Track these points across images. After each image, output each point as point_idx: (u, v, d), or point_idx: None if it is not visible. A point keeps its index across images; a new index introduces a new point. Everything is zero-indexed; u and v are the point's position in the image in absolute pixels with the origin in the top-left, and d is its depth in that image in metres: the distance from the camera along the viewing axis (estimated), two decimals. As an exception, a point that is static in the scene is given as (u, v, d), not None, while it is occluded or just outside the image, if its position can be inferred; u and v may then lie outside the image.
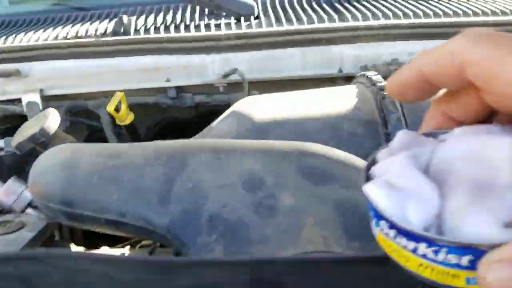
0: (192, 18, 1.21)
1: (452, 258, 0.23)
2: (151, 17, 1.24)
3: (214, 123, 0.80)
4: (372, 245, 0.52)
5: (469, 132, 0.27)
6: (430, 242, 0.23)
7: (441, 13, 1.10)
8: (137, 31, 1.15)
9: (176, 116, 1.25)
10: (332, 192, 0.53)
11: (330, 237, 0.50)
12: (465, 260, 0.23)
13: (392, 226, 0.24)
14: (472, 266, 0.23)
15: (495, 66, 0.23)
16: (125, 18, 1.12)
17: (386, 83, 0.30)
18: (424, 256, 0.24)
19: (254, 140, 0.59)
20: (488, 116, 0.28)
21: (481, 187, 0.24)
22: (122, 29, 1.11)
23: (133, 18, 1.22)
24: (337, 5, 1.25)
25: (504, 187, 0.24)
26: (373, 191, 0.26)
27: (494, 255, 0.22)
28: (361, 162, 0.56)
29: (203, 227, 0.51)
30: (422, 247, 0.24)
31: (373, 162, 0.30)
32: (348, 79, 1.04)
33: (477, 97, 0.26)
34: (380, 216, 0.25)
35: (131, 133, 0.91)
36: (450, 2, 1.21)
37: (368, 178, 0.28)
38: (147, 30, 1.15)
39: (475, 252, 0.23)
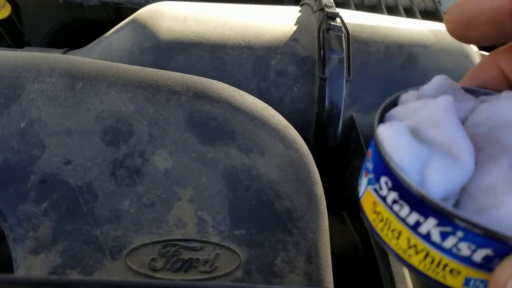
0: None
1: (465, 248, 0.18)
2: None
3: (107, 33, 0.60)
4: (261, 236, 0.38)
5: None
6: (444, 219, 0.17)
7: None
8: None
9: (89, 18, 1.02)
10: (225, 155, 0.38)
11: (209, 219, 0.36)
12: (481, 254, 0.17)
13: (397, 186, 0.18)
14: (485, 264, 0.18)
15: None
16: None
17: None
18: (425, 236, 0.18)
19: (138, 66, 0.41)
20: None
21: None
22: None
23: None
24: None
25: None
26: (388, 136, 0.19)
27: None
28: (277, 120, 0.41)
29: (30, 192, 0.35)
30: (429, 224, 0.18)
31: (393, 103, 0.23)
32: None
33: None
34: (383, 169, 0.19)
35: (8, 32, 0.70)
36: None
37: (383, 120, 0.22)
38: None
39: (501, 247, 0.17)
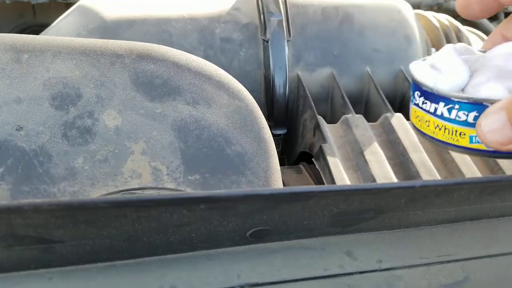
0: None
1: (462, 115, 0.29)
2: None
3: (55, 22, 0.61)
4: (215, 178, 0.39)
5: None
6: (447, 100, 0.29)
7: None
8: None
9: (42, 23, 1.01)
10: (173, 109, 0.40)
11: (163, 168, 0.38)
12: (471, 116, 0.29)
13: (422, 92, 0.31)
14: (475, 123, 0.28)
15: None
16: None
17: None
18: (440, 116, 0.30)
19: (81, 38, 0.43)
20: None
21: (505, 72, 0.29)
22: None
23: None
24: None
25: None
26: (415, 67, 0.32)
27: (492, 106, 0.27)
28: (220, 73, 0.43)
29: (-16, 158, 0.36)
30: (440, 107, 0.30)
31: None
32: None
33: None
34: (415, 88, 0.32)
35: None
36: None
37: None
38: None
39: (480, 108, 0.28)
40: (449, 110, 0.29)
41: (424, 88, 0.31)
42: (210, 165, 0.39)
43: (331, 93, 0.60)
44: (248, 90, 0.47)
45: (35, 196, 0.35)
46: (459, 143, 0.30)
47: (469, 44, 0.73)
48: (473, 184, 0.28)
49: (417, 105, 0.32)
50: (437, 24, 0.71)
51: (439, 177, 0.49)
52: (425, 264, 0.33)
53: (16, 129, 0.37)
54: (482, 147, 0.30)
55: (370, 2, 0.64)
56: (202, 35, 0.56)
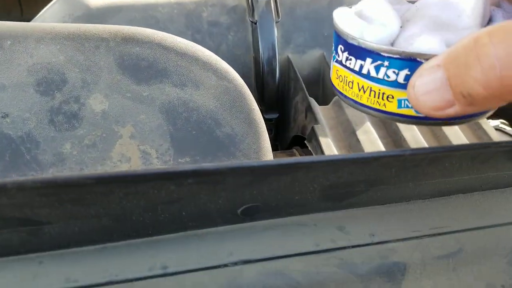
0: None
1: (391, 74, 0.24)
2: None
3: (40, 12, 0.61)
4: (206, 160, 0.39)
5: None
6: (374, 55, 0.25)
7: None
8: None
9: (29, 20, 1.00)
10: (160, 92, 0.39)
11: (152, 151, 0.38)
12: (402, 75, 0.24)
13: (347, 46, 0.26)
14: (406, 84, 0.24)
15: None
16: None
17: None
18: (366, 75, 0.26)
19: (60, 23, 0.42)
20: None
21: (441, 23, 0.26)
22: None
23: None
24: None
25: (462, 27, 0.25)
26: (339, 15, 0.27)
27: (427, 63, 0.22)
28: (207, 55, 0.43)
29: (-30, 146, 0.35)
30: (367, 64, 0.25)
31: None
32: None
33: None
34: (338, 40, 0.27)
35: None
36: None
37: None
38: None
39: (413, 65, 0.23)
40: (377, 68, 0.25)
41: (349, 41, 0.26)
42: (200, 148, 0.39)
43: (322, 75, 0.60)
44: (239, 75, 0.47)
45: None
46: (385, 108, 0.26)
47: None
48: (463, 150, 0.27)
49: (339, 62, 0.27)
50: None
51: (432, 154, 0.49)
52: (418, 237, 0.32)
53: (2, 117, 0.37)
54: (412, 112, 0.26)
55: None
56: (189, 19, 0.55)
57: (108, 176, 0.23)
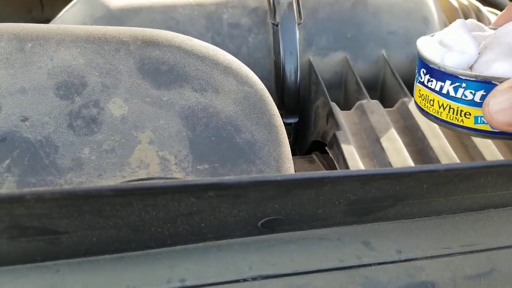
0: None
1: (469, 94, 0.28)
2: None
3: (60, 13, 0.60)
4: (225, 168, 0.38)
5: None
6: (453, 78, 0.28)
7: None
8: None
9: (50, 18, 1.01)
10: (180, 97, 0.38)
11: (171, 157, 0.37)
12: (478, 95, 0.28)
13: (428, 70, 0.30)
14: (482, 103, 0.28)
15: None
16: None
17: None
18: (446, 94, 0.29)
19: (81, 25, 0.42)
20: None
21: None
22: None
23: None
24: None
25: None
26: (422, 43, 0.31)
27: (501, 85, 0.26)
28: (228, 59, 0.42)
29: (-10, 149, 0.35)
30: (447, 85, 0.29)
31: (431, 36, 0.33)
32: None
33: None
34: (421, 65, 0.31)
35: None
36: None
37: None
38: None
39: (488, 87, 0.27)
40: (455, 89, 0.28)
41: (430, 65, 0.30)
42: (219, 154, 0.38)
43: (345, 78, 0.58)
44: (259, 78, 0.46)
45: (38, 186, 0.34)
46: (463, 124, 0.29)
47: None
48: (500, 167, 0.26)
49: (422, 83, 0.31)
50: (456, 5, 0.69)
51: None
52: (448, 255, 0.31)
53: (21, 120, 0.36)
54: (487, 128, 0.29)
55: (384, -17, 0.61)
56: (210, 21, 0.54)
57: (128, 188, 0.22)
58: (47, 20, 1.04)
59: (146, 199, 0.23)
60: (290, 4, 0.53)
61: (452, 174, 0.26)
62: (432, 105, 0.31)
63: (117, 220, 0.25)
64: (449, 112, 0.30)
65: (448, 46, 0.30)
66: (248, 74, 0.41)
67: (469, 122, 0.29)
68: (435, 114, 0.31)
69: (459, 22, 0.32)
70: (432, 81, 0.30)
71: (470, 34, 0.31)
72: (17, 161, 0.35)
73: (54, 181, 0.35)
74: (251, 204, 0.26)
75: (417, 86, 0.32)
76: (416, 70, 0.33)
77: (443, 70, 0.29)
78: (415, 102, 0.33)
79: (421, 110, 0.32)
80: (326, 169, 0.53)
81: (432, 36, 0.33)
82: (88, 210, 0.24)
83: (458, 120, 0.29)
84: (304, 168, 0.52)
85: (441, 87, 0.29)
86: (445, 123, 0.30)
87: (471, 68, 0.30)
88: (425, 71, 0.31)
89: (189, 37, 0.42)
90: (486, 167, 0.26)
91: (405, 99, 0.53)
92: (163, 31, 0.42)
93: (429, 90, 0.31)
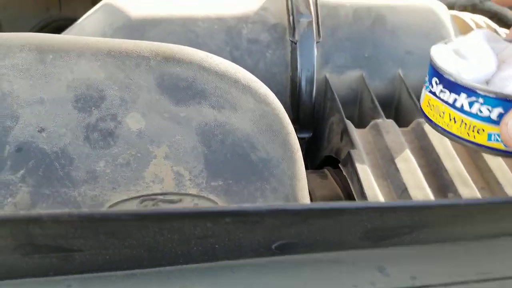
0: None
1: (485, 110, 0.26)
2: None
3: (80, 20, 0.61)
4: (239, 185, 0.38)
5: None
6: (470, 92, 0.27)
7: None
8: None
9: (68, 17, 1.02)
10: (197, 113, 0.39)
11: (186, 173, 0.37)
12: (495, 112, 0.26)
13: (442, 80, 0.28)
14: (499, 120, 0.26)
15: None
16: None
17: None
18: (459, 108, 0.27)
19: (106, 38, 0.42)
20: None
21: None
22: None
23: None
24: None
25: None
26: (436, 51, 0.29)
27: None
28: (247, 77, 0.42)
29: (7, 161, 0.35)
30: (461, 98, 0.27)
31: (445, 42, 0.31)
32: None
33: None
34: (434, 73, 0.29)
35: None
36: None
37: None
38: None
39: (507, 105, 0.26)
40: (471, 103, 0.27)
41: (445, 76, 0.28)
42: (234, 171, 0.38)
43: (360, 96, 0.58)
44: (274, 93, 0.46)
45: (55, 200, 0.35)
46: (474, 140, 0.28)
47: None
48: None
49: (432, 93, 0.29)
50: (474, 26, 0.68)
51: (474, 187, 0.46)
52: (463, 282, 0.30)
53: (38, 131, 0.37)
54: (500, 146, 0.27)
55: (404, 3, 0.61)
56: (229, 36, 0.55)
57: (145, 214, 0.22)
58: (65, 19, 1.06)
59: (163, 223, 0.23)
60: (310, 23, 0.53)
61: (472, 208, 0.26)
62: (442, 117, 0.29)
63: (132, 241, 0.25)
64: (460, 126, 0.28)
65: (465, 56, 0.29)
66: (266, 93, 0.41)
67: (481, 139, 0.28)
68: (444, 127, 0.29)
69: (478, 32, 0.31)
70: (444, 92, 0.28)
71: (488, 45, 0.29)
72: (32, 172, 0.36)
73: (68, 193, 0.35)
74: (267, 229, 0.26)
75: (426, 96, 0.31)
76: (427, 79, 0.31)
77: (459, 82, 0.27)
78: (422, 112, 0.31)
79: (429, 120, 0.31)
80: (338, 185, 0.53)
81: (446, 43, 0.31)
82: (103, 232, 0.24)
83: (469, 136, 0.28)
84: (316, 184, 0.52)
85: (455, 100, 0.28)
86: (454, 137, 0.29)
87: (488, 82, 0.28)
88: (437, 80, 0.29)
89: (209, 54, 0.43)
90: (507, 202, 0.25)
91: (420, 120, 0.53)
92: (184, 47, 0.42)
93: (440, 101, 0.29)
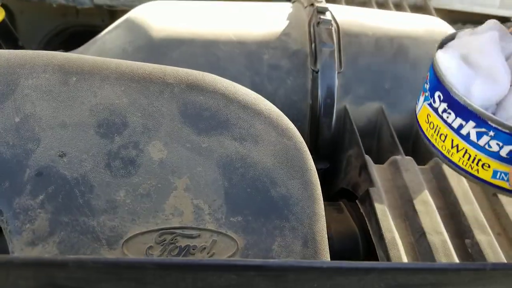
0: None
1: (494, 145, 0.23)
2: None
3: (101, 33, 0.61)
4: (258, 222, 0.38)
5: None
6: (480, 121, 0.23)
7: None
8: None
9: (84, 23, 1.03)
10: (219, 145, 0.38)
11: (205, 207, 0.36)
12: (506, 149, 0.22)
13: (447, 97, 0.24)
14: (509, 158, 0.22)
15: None
16: None
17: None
18: (465, 137, 0.24)
19: (131, 61, 0.42)
20: None
21: None
22: None
23: None
24: None
25: None
26: (443, 59, 0.25)
27: None
28: (269, 108, 0.42)
29: (27, 185, 0.35)
30: (469, 126, 0.23)
31: (451, 37, 0.27)
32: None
33: None
34: (437, 86, 0.25)
35: (2, 37, 0.70)
36: None
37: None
38: None
39: None
40: (479, 134, 0.23)
41: (452, 95, 0.24)
42: (253, 207, 0.37)
43: (379, 129, 0.58)
44: (293, 121, 0.45)
45: (74, 229, 0.34)
46: (478, 174, 0.24)
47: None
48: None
49: (434, 108, 0.25)
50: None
51: (491, 233, 0.46)
52: None
53: (59, 155, 0.37)
54: (505, 185, 0.24)
55: (426, 34, 0.61)
56: (250, 60, 0.54)
57: (171, 263, 0.22)
58: (81, 25, 1.06)
59: (187, 273, 0.23)
60: (332, 52, 0.53)
61: (498, 272, 0.25)
62: (443, 141, 0.25)
63: (154, 287, 0.25)
64: (463, 157, 0.24)
65: (475, 66, 0.25)
66: (288, 126, 0.41)
67: (485, 175, 0.24)
68: (444, 152, 0.26)
69: (490, 28, 0.26)
70: (449, 113, 0.24)
71: (501, 54, 0.25)
72: (51, 198, 0.35)
73: (86, 222, 0.35)
74: (289, 283, 0.25)
75: (425, 108, 0.26)
76: (427, 86, 0.26)
77: (470, 108, 0.23)
78: (419, 126, 0.28)
79: (427, 140, 0.27)
80: (354, 219, 0.52)
81: (454, 39, 0.27)
82: (127, 278, 0.23)
83: (472, 169, 0.24)
84: (332, 218, 0.51)
85: (461, 126, 0.24)
86: (454, 166, 0.25)
87: (498, 104, 0.24)
88: (442, 97, 0.25)
89: (233, 83, 0.42)
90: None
91: (438, 160, 0.52)
92: (208, 74, 0.42)
93: (442, 122, 0.25)
